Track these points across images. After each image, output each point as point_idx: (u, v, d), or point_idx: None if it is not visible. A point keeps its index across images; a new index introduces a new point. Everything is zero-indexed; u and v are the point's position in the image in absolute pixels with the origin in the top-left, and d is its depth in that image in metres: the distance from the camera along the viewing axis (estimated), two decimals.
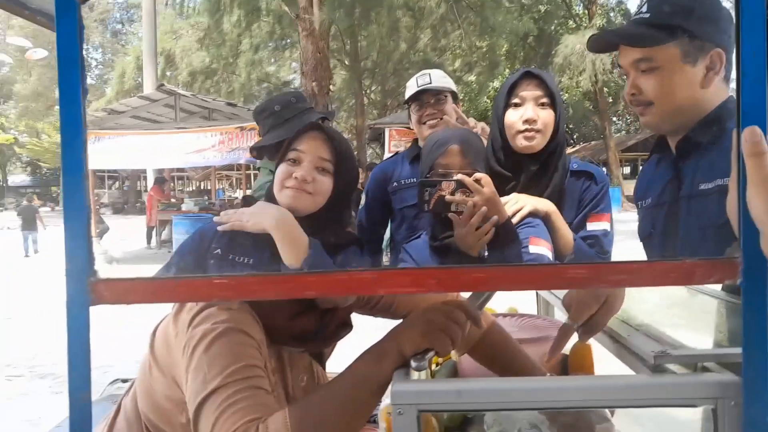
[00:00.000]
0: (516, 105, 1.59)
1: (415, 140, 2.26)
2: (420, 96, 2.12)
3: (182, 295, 0.85)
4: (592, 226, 1.62)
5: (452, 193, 1.36)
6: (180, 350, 1.05)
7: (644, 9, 1.27)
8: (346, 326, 1.29)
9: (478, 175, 1.38)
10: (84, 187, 0.82)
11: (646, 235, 1.41)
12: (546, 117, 1.56)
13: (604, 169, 25.84)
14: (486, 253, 1.45)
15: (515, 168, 1.60)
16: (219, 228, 1.20)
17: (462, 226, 1.36)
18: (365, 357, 0.98)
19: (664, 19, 1.24)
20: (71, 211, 0.80)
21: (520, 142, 1.57)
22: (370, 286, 0.75)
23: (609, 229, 1.63)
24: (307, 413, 0.94)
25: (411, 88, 2.16)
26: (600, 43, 1.41)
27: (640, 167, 31.16)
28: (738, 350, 0.75)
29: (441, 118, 2.09)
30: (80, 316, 0.77)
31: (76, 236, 0.80)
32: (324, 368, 1.36)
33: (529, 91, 1.58)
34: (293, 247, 1.13)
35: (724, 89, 1.25)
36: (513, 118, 1.57)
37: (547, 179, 1.60)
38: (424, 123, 2.11)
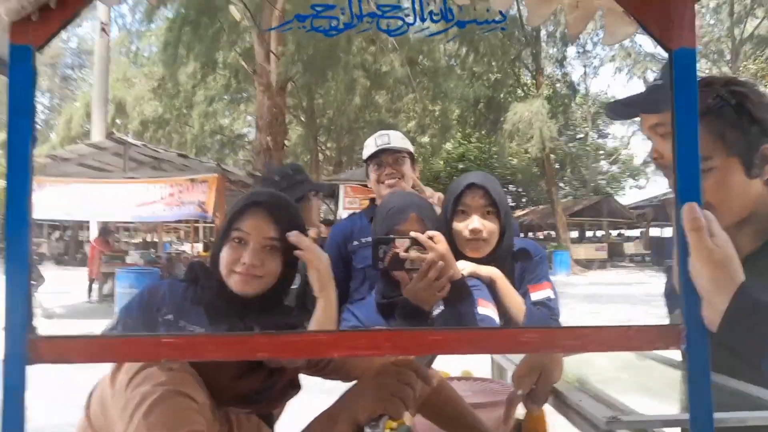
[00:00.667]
0: (463, 213, 1.65)
1: (372, 199, 2.28)
2: (379, 155, 2.14)
3: (128, 355, 0.81)
4: (535, 296, 1.66)
5: (406, 251, 1.38)
6: (117, 412, 1.00)
7: (658, 75, 1.36)
8: (294, 387, 1.25)
9: (431, 232, 1.40)
10: (27, 240, 0.79)
11: None
12: (491, 227, 1.63)
13: (552, 233, 26.66)
14: (438, 310, 1.45)
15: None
16: (291, 239, 1.22)
17: (419, 281, 1.37)
18: (317, 423, 0.95)
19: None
20: (13, 263, 0.77)
21: (468, 252, 1.63)
22: (324, 349, 0.74)
23: (552, 296, 1.67)
24: None
25: (369, 147, 2.18)
26: (618, 111, 1.45)
27: (586, 232, 32.20)
28: (686, 416, 0.77)
29: (400, 178, 2.12)
30: (17, 374, 0.72)
31: (16, 290, 0.76)
32: (273, 430, 1.31)
33: (474, 201, 1.64)
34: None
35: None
36: (459, 227, 1.64)
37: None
38: (383, 182, 2.13)
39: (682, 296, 0.78)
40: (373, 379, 0.97)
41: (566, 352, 0.85)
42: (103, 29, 15.74)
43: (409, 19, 0.93)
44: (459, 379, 1.69)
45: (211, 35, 14.72)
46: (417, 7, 0.90)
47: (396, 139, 2.18)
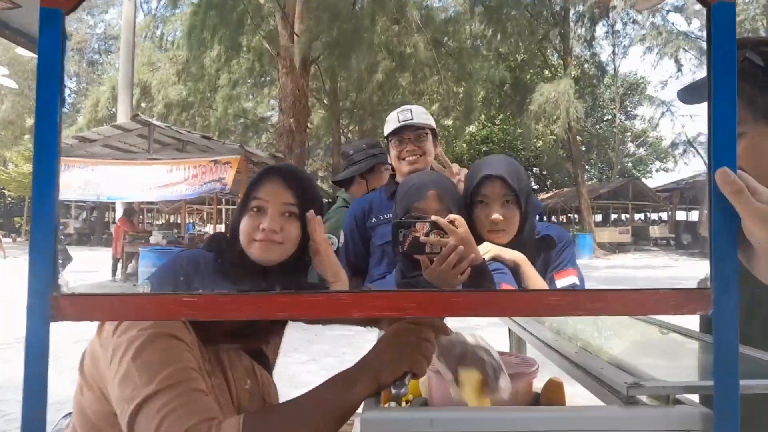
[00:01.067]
0: (482, 203, 1.61)
1: (393, 176, 2.26)
2: (400, 132, 2.11)
3: (149, 313, 0.82)
4: (560, 282, 1.63)
5: (426, 235, 1.36)
6: (106, 361, 1.02)
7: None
8: (280, 321, 1.28)
9: (452, 216, 1.38)
10: (54, 199, 0.80)
11: None
12: (511, 215, 1.59)
13: (576, 216, 26.36)
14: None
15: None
16: (308, 217, 1.27)
17: (439, 265, 1.36)
18: (333, 382, 0.95)
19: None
20: (38, 222, 0.78)
21: (489, 239, 1.59)
22: (346, 309, 0.74)
23: (578, 282, 1.64)
24: (262, 427, 0.91)
25: (392, 122, 2.14)
26: (693, 95, 1.33)
27: (612, 215, 31.71)
28: (710, 383, 0.75)
29: (421, 155, 2.09)
30: (40, 332, 0.74)
31: (40, 249, 0.77)
32: (271, 375, 1.33)
33: (492, 191, 1.60)
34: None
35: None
36: (480, 216, 1.60)
37: None
38: (404, 159, 2.10)
39: (711, 260, 0.76)
40: (392, 338, 0.97)
41: (590, 315, 0.83)
42: None
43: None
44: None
45: (236, 18, 14.74)
46: None
47: (418, 114, 2.14)
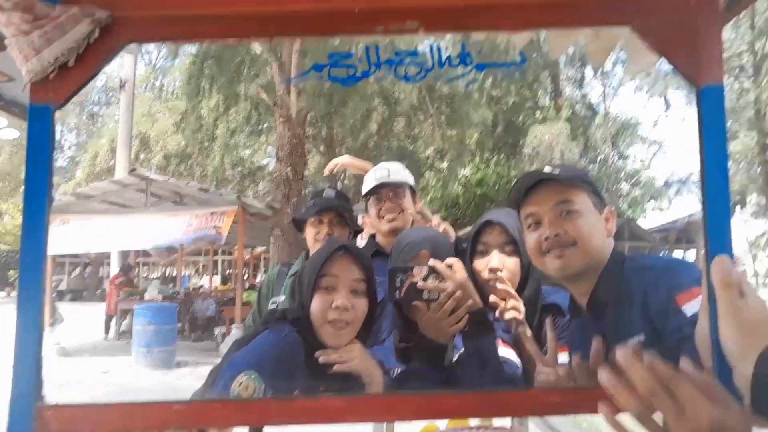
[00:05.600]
0: (482, 252, 1.59)
1: (372, 236, 2.21)
2: (378, 190, 2.09)
3: (137, 423, 0.79)
4: (562, 357, 1.58)
5: (424, 280, 1.34)
6: None
7: (549, 169, 1.34)
8: None
9: (450, 260, 1.37)
10: (41, 301, 0.78)
11: None
12: (512, 265, 1.56)
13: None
14: (457, 354, 1.41)
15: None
16: (322, 359, 1.23)
17: (436, 311, 1.33)
18: None
19: (570, 173, 1.34)
20: (24, 326, 0.76)
21: (490, 291, 1.53)
22: (339, 415, 0.71)
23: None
24: None
25: (369, 181, 2.13)
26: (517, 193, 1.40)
27: None
28: None
29: (400, 212, 2.07)
30: None
31: (26, 355, 0.74)
32: None
33: (492, 238, 1.58)
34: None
35: (610, 247, 1.33)
36: (479, 266, 1.57)
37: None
38: (383, 217, 2.07)
39: (713, 349, 0.73)
40: None
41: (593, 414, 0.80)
42: (122, 86, 16.21)
43: (428, 65, 0.91)
44: (478, 428, 1.61)
45: (233, 68, 15.03)
46: (435, 52, 0.89)
47: (396, 172, 2.12)
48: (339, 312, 1.22)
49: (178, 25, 0.84)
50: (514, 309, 1.47)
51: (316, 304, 1.25)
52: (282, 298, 2.31)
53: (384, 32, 0.79)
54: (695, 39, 0.78)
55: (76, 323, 13.88)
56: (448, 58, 0.87)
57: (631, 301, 1.19)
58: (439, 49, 0.85)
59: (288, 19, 0.82)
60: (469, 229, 2.01)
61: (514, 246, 1.56)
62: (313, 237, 2.19)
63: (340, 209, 2.20)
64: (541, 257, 1.33)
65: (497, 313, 1.47)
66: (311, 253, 2.15)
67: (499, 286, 1.49)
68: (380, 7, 0.79)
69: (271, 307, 2.37)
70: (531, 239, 1.34)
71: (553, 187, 1.31)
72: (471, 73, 0.83)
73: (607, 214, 1.34)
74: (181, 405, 0.72)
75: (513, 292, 1.49)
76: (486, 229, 1.59)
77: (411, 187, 2.15)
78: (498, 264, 1.55)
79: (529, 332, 1.49)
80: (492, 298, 1.47)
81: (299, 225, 2.40)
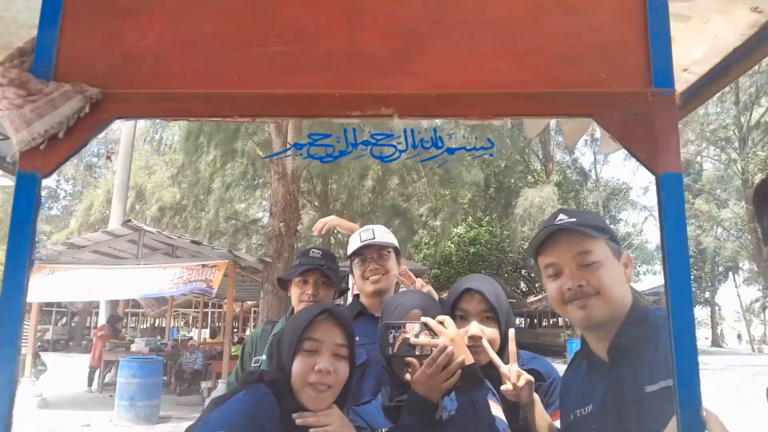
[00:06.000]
0: (461, 318, 1.62)
1: (356, 296, 2.24)
2: (363, 251, 2.13)
3: None
4: (557, 424, 1.57)
5: (416, 336, 1.37)
6: None
7: (565, 217, 1.35)
8: None
9: (441, 317, 1.40)
10: (15, 361, 0.79)
11: None
12: (491, 333, 1.59)
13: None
14: (447, 413, 1.40)
15: None
16: (299, 422, 1.22)
17: (429, 367, 1.34)
18: None
19: (586, 220, 1.33)
20: None
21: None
22: None
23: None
24: None
25: (354, 242, 2.17)
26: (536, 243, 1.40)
27: None
28: None
29: (384, 274, 2.11)
30: None
31: None
32: None
33: (471, 306, 1.61)
34: None
35: (630, 292, 1.32)
36: (460, 332, 1.57)
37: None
38: (367, 278, 2.11)
39: None
40: None
41: None
42: (108, 158, 16.49)
43: (401, 147, 0.96)
44: None
45: (232, 125, 15.30)
46: (409, 135, 0.94)
47: (381, 234, 2.17)
48: (321, 375, 1.22)
49: (164, 102, 0.88)
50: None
51: (297, 366, 1.25)
52: (264, 357, 2.30)
53: (361, 116, 0.83)
54: (653, 131, 0.83)
55: (60, 374, 13.56)
56: (422, 140, 0.92)
57: (658, 347, 1.18)
58: (413, 132, 0.90)
59: (270, 101, 0.87)
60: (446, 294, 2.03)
61: (492, 313, 1.59)
62: (298, 297, 2.21)
63: (325, 270, 2.21)
64: (563, 306, 1.33)
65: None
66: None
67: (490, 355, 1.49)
68: (358, 93, 0.84)
69: (254, 365, 2.35)
70: (552, 288, 1.35)
71: (572, 237, 1.30)
72: (442, 155, 0.88)
73: (625, 260, 1.34)
74: None
75: (498, 359, 1.50)
76: (465, 296, 1.62)
77: (395, 249, 2.19)
78: (477, 332, 1.56)
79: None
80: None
81: (284, 285, 2.41)
